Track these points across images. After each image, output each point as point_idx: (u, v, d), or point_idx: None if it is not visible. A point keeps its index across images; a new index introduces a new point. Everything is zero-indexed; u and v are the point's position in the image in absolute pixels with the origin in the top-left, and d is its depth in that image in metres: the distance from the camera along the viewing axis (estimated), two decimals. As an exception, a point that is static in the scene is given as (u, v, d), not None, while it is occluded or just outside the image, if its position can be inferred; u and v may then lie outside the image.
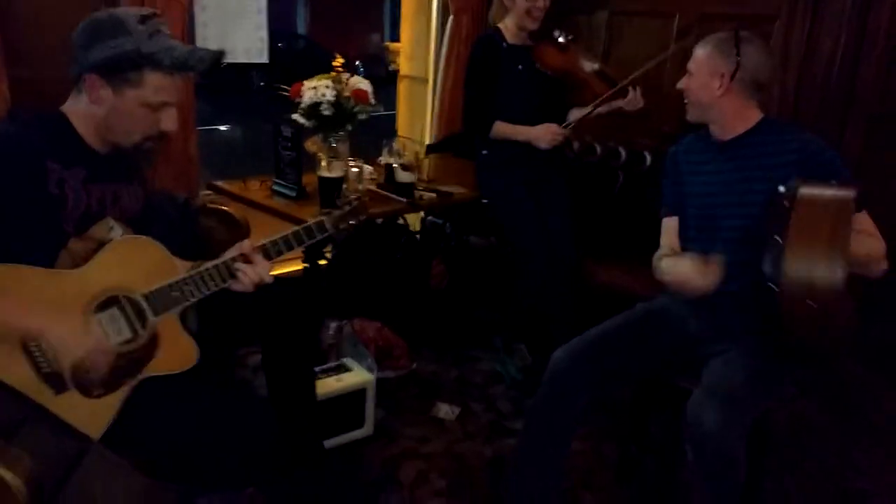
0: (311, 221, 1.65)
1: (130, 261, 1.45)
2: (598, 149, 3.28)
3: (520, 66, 2.70)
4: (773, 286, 1.54)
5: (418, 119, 3.61)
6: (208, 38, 2.67)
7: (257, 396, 1.58)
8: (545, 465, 1.87)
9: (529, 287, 2.66)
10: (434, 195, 2.50)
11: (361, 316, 2.81)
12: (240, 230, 2.27)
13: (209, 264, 1.50)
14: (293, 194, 2.36)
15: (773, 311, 1.56)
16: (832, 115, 2.79)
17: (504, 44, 2.70)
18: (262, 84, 12.86)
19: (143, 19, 1.39)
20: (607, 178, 3.22)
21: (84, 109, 1.43)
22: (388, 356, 2.74)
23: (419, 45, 3.53)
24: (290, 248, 1.59)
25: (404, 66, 3.68)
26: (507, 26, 2.73)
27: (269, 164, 2.52)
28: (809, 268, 1.50)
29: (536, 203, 2.71)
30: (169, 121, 1.46)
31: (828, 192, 1.59)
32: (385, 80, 13.96)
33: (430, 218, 3.28)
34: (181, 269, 1.50)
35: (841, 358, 1.83)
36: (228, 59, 2.84)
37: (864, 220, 1.72)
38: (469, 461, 2.31)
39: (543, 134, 2.62)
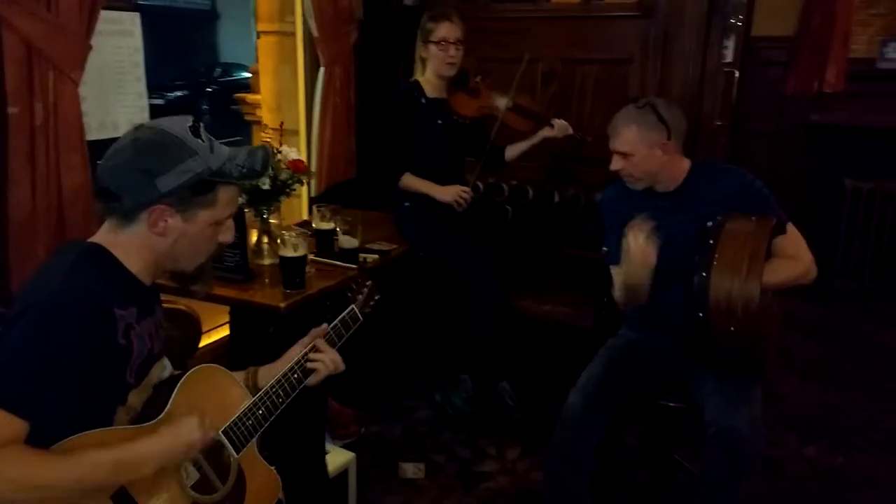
0: (344, 313, 1.61)
1: (201, 396, 1.31)
2: (481, 186, 3.45)
3: (439, 121, 2.76)
4: (700, 315, 1.77)
5: (293, 172, 3.48)
6: (89, 112, 2.34)
7: None
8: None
9: (482, 317, 2.68)
10: (377, 256, 2.45)
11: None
12: (193, 327, 2.08)
13: (279, 377, 1.43)
14: (241, 278, 2.18)
15: (703, 337, 1.79)
16: (686, 134, 3.25)
17: (423, 99, 2.75)
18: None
19: (194, 131, 1.25)
20: (497, 213, 3.40)
21: (140, 242, 1.25)
22: (338, 426, 2.65)
23: (286, 98, 3.41)
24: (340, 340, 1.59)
25: (267, 118, 3.53)
26: (427, 79, 2.77)
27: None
28: (728, 297, 1.72)
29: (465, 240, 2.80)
30: (228, 232, 1.35)
31: (747, 226, 1.81)
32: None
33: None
34: (244, 387, 1.41)
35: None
36: (112, 135, 2.54)
37: (786, 243, 1.93)
38: (462, 516, 2.33)
39: (449, 192, 2.72)
